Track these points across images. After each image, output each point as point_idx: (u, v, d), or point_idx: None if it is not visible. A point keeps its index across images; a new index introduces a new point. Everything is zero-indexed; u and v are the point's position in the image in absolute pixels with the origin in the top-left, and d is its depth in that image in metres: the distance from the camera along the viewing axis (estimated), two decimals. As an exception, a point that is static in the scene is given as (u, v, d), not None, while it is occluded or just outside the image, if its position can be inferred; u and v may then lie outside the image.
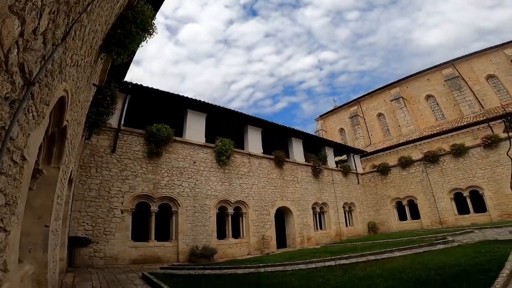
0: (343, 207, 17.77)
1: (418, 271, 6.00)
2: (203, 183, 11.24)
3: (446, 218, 16.33)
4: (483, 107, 21.85)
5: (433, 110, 25.45)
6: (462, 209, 16.31)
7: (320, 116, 35.04)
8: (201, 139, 11.81)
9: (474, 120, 19.67)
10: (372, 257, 9.02)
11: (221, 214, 11.68)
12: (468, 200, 16.03)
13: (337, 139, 29.19)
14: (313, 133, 26.36)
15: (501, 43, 22.98)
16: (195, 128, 11.76)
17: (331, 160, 18.72)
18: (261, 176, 13.46)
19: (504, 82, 22.39)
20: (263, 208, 12.89)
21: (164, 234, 10.30)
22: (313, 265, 8.79)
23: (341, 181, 18.50)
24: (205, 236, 10.56)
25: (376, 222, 18.89)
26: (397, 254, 9.17)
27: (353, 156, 20.84)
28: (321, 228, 16.10)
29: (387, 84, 28.61)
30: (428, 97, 26.07)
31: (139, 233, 9.71)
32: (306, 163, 16.31)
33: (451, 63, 25.43)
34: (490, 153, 15.53)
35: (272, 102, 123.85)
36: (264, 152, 14.14)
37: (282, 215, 14.51)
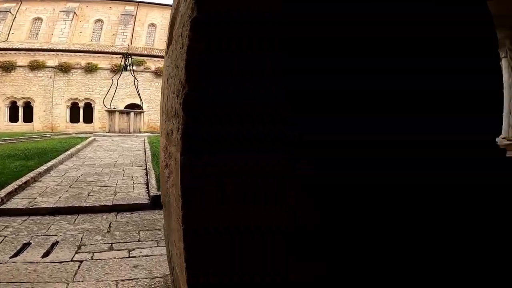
0: None
1: (9, 151, 7.98)
2: None
3: (58, 124, 17.20)
4: (131, 44, 25.64)
5: (93, 32, 26.23)
6: (75, 118, 17.90)
7: None
8: None
9: (120, 51, 22.42)
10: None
11: None
12: (82, 111, 17.90)
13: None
14: None
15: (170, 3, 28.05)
16: None
17: None
18: None
19: (157, 33, 27.71)
20: None
21: None
22: None
23: None
24: None
25: (-22, 120, 16.18)
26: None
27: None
28: None
29: (67, -5, 26.15)
30: (98, 20, 26.59)
31: None
32: None
33: (138, 3, 27.48)
34: (113, 76, 18.08)
35: None
36: None
37: None
